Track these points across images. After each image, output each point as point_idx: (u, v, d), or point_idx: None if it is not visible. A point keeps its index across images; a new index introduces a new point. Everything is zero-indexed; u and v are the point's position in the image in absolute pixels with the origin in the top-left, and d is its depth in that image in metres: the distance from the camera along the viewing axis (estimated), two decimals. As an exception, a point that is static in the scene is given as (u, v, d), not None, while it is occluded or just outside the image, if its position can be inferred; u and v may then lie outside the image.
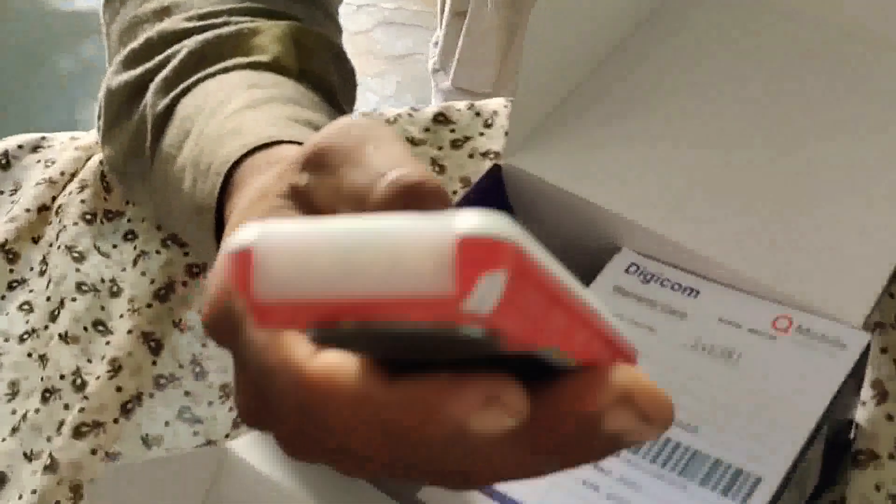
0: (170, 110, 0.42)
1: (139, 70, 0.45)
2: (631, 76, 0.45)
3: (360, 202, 0.25)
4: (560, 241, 0.43)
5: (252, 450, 0.36)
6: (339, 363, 0.22)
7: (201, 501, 0.34)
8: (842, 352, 0.36)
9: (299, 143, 0.36)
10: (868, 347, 0.36)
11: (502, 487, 0.35)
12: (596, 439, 0.22)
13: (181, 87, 0.43)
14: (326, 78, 0.46)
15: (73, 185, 0.52)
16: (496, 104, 0.51)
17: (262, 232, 0.19)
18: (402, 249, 0.18)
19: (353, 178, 0.26)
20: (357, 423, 0.21)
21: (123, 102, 0.46)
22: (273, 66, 0.44)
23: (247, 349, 0.24)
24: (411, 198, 0.25)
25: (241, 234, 0.19)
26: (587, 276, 0.41)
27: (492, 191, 0.44)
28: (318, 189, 0.27)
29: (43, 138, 0.54)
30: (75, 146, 0.53)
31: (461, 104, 0.52)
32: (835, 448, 0.39)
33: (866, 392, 0.40)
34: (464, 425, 0.20)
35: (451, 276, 0.18)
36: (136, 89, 0.45)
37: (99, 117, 0.48)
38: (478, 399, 0.20)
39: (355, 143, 0.26)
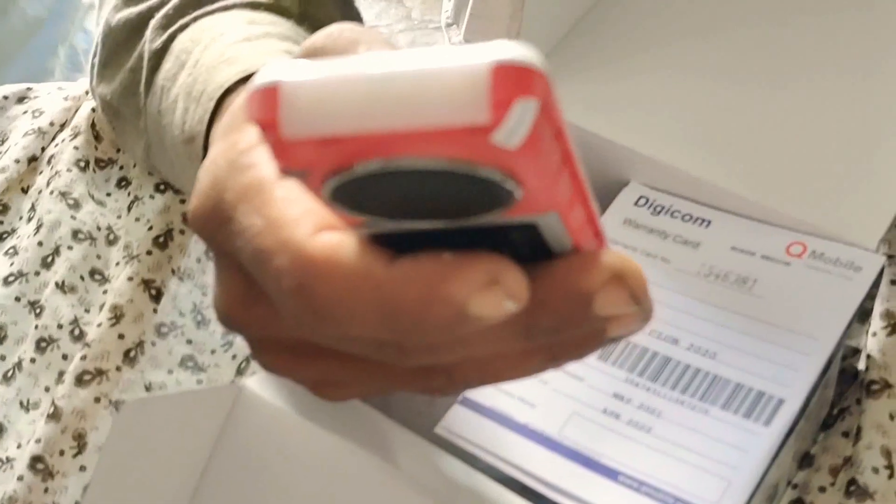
0: (166, 46, 0.42)
1: (141, 7, 0.45)
2: (634, 8, 0.45)
3: None
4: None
5: (267, 386, 0.35)
6: (340, 240, 0.21)
7: (218, 434, 0.34)
8: (857, 274, 0.36)
9: None
10: (882, 270, 0.37)
11: (523, 417, 0.35)
12: (587, 322, 0.22)
13: (179, 23, 0.42)
14: (328, 23, 0.45)
15: (66, 133, 0.51)
16: (493, 47, 0.51)
17: (289, 68, 0.19)
18: (433, 79, 0.18)
19: None
20: (355, 304, 0.21)
21: (123, 39, 0.45)
22: (273, 7, 0.43)
23: (240, 236, 0.23)
24: None
25: (266, 71, 0.19)
26: (596, 210, 0.41)
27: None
28: None
29: (28, 88, 0.53)
30: (63, 96, 0.52)
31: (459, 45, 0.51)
32: (843, 377, 0.39)
33: (877, 323, 0.40)
34: (464, 308, 0.20)
35: (486, 102, 0.17)
36: (137, 26, 0.44)
37: (95, 55, 0.47)
38: (480, 279, 0.20)
39: (347, 44, 0.26)
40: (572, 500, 0.34)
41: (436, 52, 0.18)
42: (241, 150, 0.25)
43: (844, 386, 0.40)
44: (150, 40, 0.43)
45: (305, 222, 0.22)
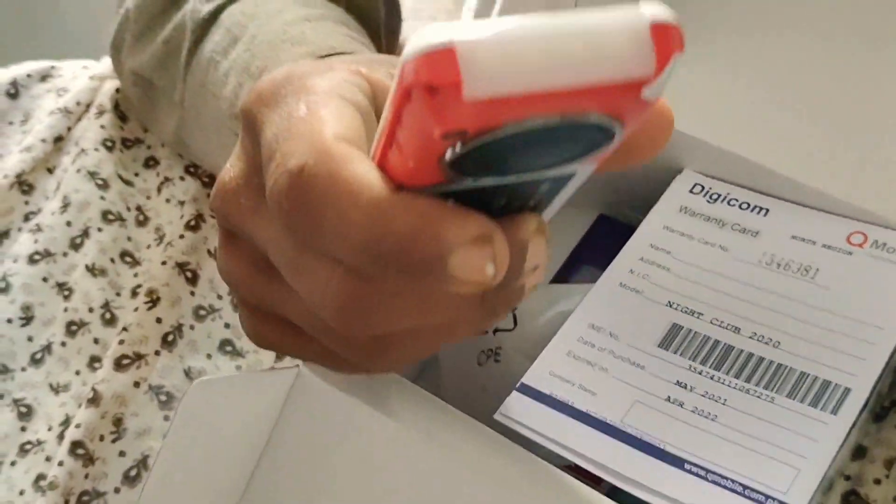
0: (214, 16, 0.41)
1: None
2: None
3: None
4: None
5: (324, 370, 0.35)
6: (360, 153, 0.22)
7: (277, 416, 0.33)
8: (920, 264, 0.36)
9: None
10: (944, 261, 0.36)
11: (584, 405, 0.34)
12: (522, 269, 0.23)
13: None
14: (373, 10, 0.45)
15: (91, 112, 0.49)
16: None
17: (459, 29, 0.19)
18: (603, 37, 0.19)
19: None
20: (349, 210, 0.21)
21: (158, 12, 0.44)
22: None
23: (279, 114, 0.23)
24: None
25: (431, 34, 0.19)
26: (650, 198, 0.40)
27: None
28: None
29: (52, 67, 0.52)
30: (89, 75, 0.51)
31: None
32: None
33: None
34: (447, 254, 0.20)
35: (652, 57, 0.19)
36: None
37: (124, 29, 0.46)
38: (473, 232, 0.20)
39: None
40: (638, 487, 0.33)
41: (591, 15, 0.19)
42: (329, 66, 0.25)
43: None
44: (192, 10, 0.42)
45: (339, 127, 0.22)
